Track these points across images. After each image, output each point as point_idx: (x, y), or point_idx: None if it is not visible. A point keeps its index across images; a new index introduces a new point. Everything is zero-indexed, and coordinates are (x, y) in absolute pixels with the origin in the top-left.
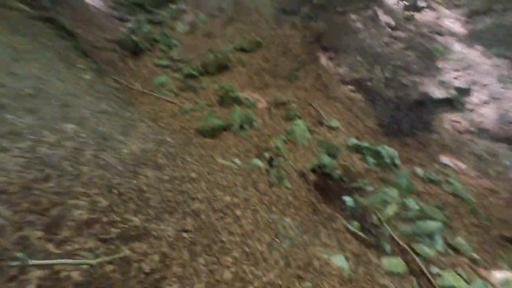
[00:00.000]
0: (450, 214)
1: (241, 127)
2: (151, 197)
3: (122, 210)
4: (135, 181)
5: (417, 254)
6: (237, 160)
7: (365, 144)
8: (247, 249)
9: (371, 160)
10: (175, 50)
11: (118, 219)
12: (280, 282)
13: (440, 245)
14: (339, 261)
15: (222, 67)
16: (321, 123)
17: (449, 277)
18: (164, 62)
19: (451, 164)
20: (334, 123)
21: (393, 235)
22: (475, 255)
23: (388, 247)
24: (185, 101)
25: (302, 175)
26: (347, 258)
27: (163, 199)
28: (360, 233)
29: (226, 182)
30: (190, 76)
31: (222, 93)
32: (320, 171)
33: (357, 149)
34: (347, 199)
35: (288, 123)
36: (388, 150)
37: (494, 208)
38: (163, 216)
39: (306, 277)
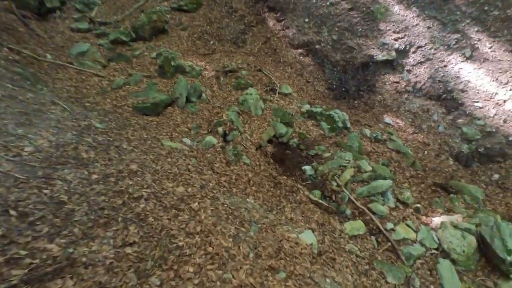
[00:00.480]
0: (395, 169)
1: (188, 100)
2: (74, 208)
3: (29, 238)
4: (47, 191)
5: (374, 213)
6: (187, 140)
7: (318, 109)
8: (210, 249)
9: (325, 125)
10: (95, 9)
11: (23, 253)
12: (252, 281)
13: (391, 201)
14: (307, 237)
15: (158, 31)
16: (273, 90)
17: (401, 230)
18: (83, 25)
19: (392, 123)
20: (286, 89)
21: (352, 198)
22: (417, 205)
23: (348, 211)
24: (116, 74)
25: (259, 147)
26: (313, 231)
27: (93, 208)
28: (322, 202)
29: (176, 169)
30: (119, 42)
31: (161, 61)
32: (277, 141)
33: (310, 115)
34: (307, 168)
35: (239, 92)
36: (339, 114)
37: (427, 159)
38: (95, 231)
39: (278, 266)
